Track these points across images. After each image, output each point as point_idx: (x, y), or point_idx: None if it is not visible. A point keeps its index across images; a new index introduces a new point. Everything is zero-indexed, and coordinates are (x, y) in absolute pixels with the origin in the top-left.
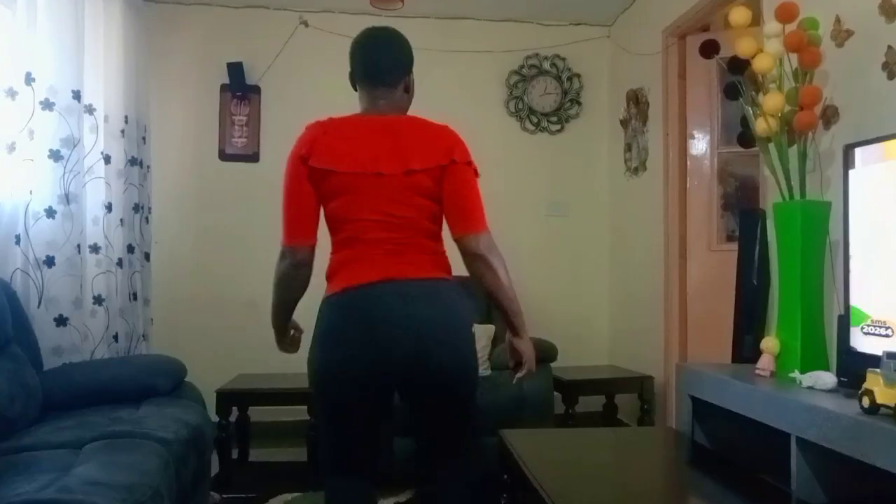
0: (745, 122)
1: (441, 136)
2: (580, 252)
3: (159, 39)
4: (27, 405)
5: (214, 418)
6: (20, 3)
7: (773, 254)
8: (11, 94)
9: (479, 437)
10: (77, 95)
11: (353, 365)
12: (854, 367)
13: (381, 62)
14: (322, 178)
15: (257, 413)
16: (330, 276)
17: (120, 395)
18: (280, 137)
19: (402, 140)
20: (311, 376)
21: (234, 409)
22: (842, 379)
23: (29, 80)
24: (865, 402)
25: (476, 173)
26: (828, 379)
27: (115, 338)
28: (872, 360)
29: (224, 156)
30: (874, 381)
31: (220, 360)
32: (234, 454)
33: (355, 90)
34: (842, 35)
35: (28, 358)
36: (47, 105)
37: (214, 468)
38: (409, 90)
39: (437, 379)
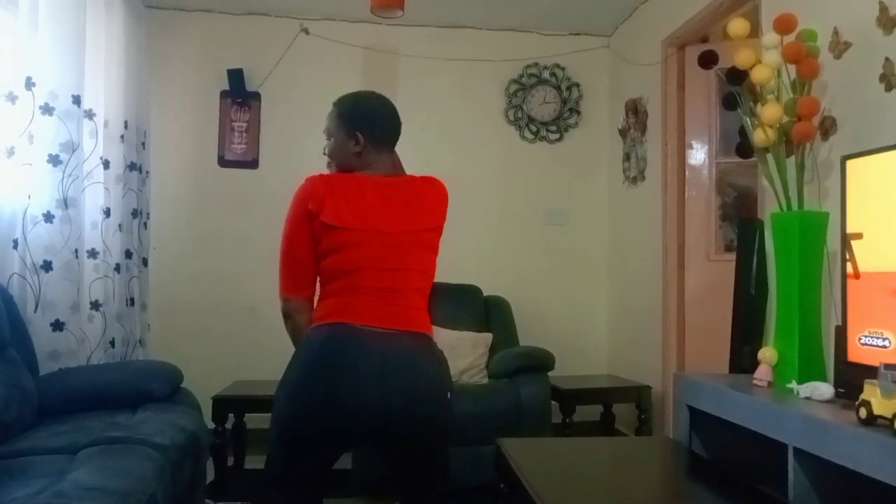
0: (743, 132)
1: (441, 192)
2: (578, 261)
3: (160, 45)
4: (23, 410)
5: (210, 425)
6: (22, 8)
7: (770, 264)
8: (11, 98)
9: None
10: (77, 100)
11: (324, 407)
12: (851, 378)
13: (394, 129)
14: (327, 232)
15: (253, 420)
16: (320, 314)
17: (116, 400)
18: (280, 144)
19: (415, 199)
20: (278, 402)
21: (231, 415)
22: (839, 390)
23: (29, 84)
24: (862, 413)
25: None
26: (825, 390)
27: (112, 343)
28: (870, 371)
29: (223, 162)
30: (871, 392)
31: (217, 367)
32: (230, 461)
33: (355, 144)
34: (840, 47)
35: (24, 362)
36: (47, 110)
37: (210, 475)
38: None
39: (409, 436)
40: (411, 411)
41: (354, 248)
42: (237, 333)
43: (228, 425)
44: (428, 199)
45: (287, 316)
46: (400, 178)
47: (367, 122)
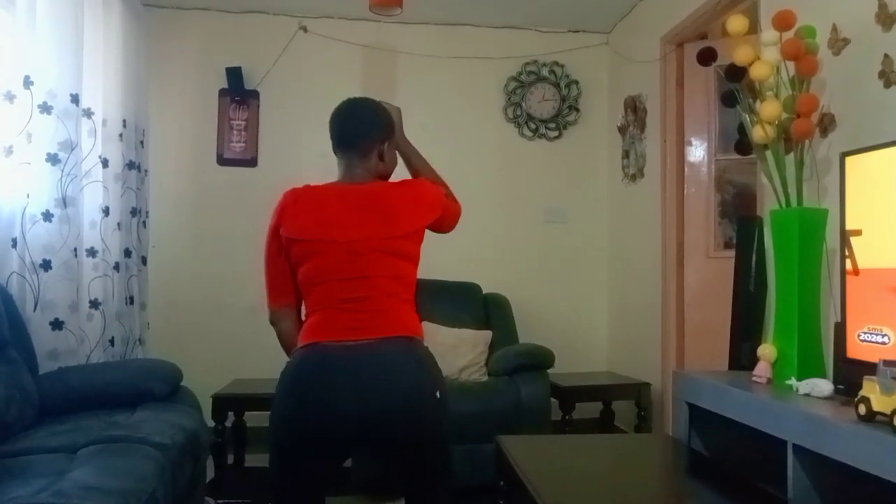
0: (742, 129)
1: (421, 195)
2: (578, 258)
3: (159, 44)
4: (23, 409)
5: (210, 423)
6: (20, 6)
7: (770, 261)
8: (10, 97)
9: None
10: (75, 99)
11: (303, 419)
12: (850, 375)
13: (353, 132)
14: (290, 246)
15: (253, 418)
16: (299, 339)
17: (116, 399)
18: (278, 142)
19: (382, 207)
20: (271, 415)
21: (230, 414)
22: (838, 386)
23: (27, 83)
24: (862, 409)
25: (455, 200)
26: (824, 386)
27: (112, 342)
28: (869, 368)
29: (222, 160)
30: (870, 389)
31: (217, 365)
32: (230, 459)
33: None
34: (839, 43)
35: (24, 362)
36: (45, 108)
37: (210, 473)
38: (383, 158)
39: (401, 444)
40: (392, 414)
41: (316, 259)
42: (236, 332)
43: (228, 424)
44: (398, 205)
45: (272, 323)
46: (367, 186)
47: (330, 129)
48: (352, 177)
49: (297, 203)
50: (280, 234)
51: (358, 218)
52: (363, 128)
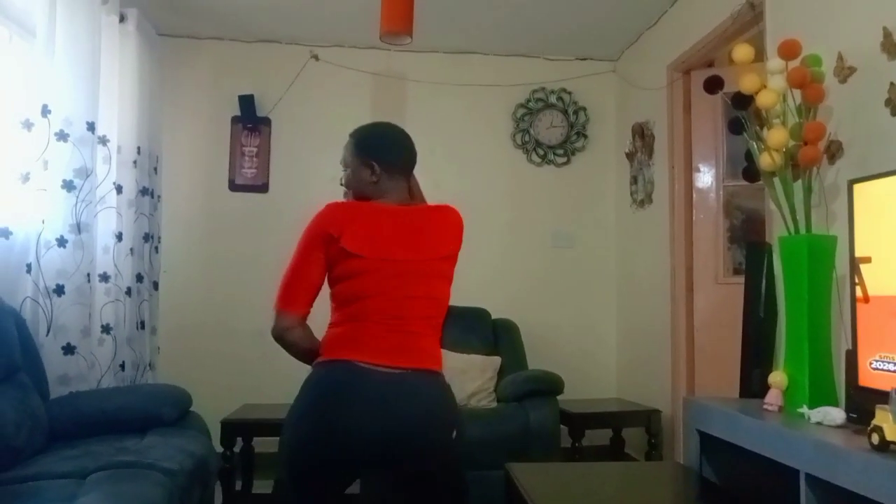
0: (749, 156)
1: (456, 221)
2: (587, 284)
3: (173, 72)
4: (33, 434)
5: (219, 448)
6: (39, 37)
7: (779, 287)
8: (28, 125)
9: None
10: (91, 127)
11: (324, 440)
12: (863, 403)
13: (408, 156)
14: (343, 259)
15: (262, 444)
16: (327, 346)
17: (125, 424)
18: (289, 168)
19: (428, 228)
20: (283, 433)
21: (239, 439)
22: (851, 415)
23: (45, 112)
24: (875, 438)
25: None
26: (836, 415)
27: (122, 367)
28: (881, 396)
29: (234, 186)
30: (883, 418)
31: (226, 390)
32: (238, 486)
33: (371, 173)
34: (844, 72)
35: (35, 386)
36: (62, 136)
37: (218, 499)
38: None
39: (413, 464)
40: (414, 439)
41: (365, 275)
42: (246, 356)
43: (237, 449)
44: (440, 228)
45: (278, 337)
46: (413, 207)
47: (381, 151)
48: (399, 198)
49: (356, 219)
50: (339, 247)
51: (408, 238)
52: (413, 154)
